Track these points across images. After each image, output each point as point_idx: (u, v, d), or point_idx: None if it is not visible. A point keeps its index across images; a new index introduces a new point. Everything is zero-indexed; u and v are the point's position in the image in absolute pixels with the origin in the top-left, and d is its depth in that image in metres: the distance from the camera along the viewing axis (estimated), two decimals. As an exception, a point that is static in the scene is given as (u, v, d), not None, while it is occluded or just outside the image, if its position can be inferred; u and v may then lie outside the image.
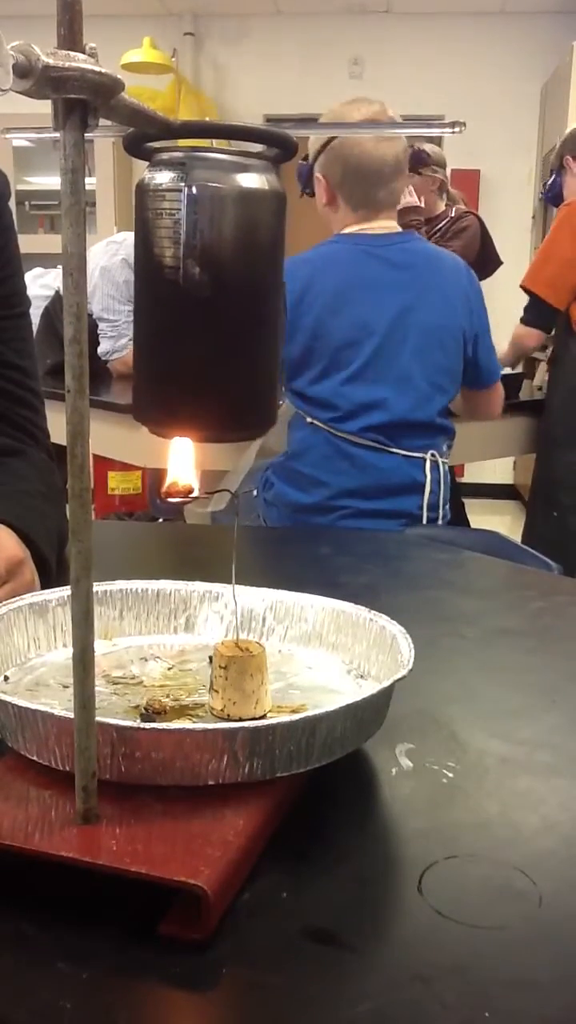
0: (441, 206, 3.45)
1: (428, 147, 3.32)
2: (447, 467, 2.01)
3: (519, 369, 3.10)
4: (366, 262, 1.88)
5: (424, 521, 1.94)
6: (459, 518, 3.79)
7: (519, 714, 0.70)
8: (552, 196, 2.88)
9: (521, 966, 0.43)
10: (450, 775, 0.59)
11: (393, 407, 1.89)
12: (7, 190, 1.04)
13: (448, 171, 3.55)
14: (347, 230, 1.93)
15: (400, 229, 1.98)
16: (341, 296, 1.85)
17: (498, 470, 5.53)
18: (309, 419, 1.91)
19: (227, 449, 2.25)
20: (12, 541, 0.80)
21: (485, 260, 3.43)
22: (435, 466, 1.94)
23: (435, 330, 1.91)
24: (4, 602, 0.68)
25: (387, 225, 1.94)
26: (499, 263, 3.51)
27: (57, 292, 3.17)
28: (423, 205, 3.38)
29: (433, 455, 1.94)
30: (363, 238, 1.91)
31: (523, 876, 0.49)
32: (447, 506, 2.03)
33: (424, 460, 1.93)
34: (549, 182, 2.89)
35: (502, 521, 5.11)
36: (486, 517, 4.99)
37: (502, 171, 5.52)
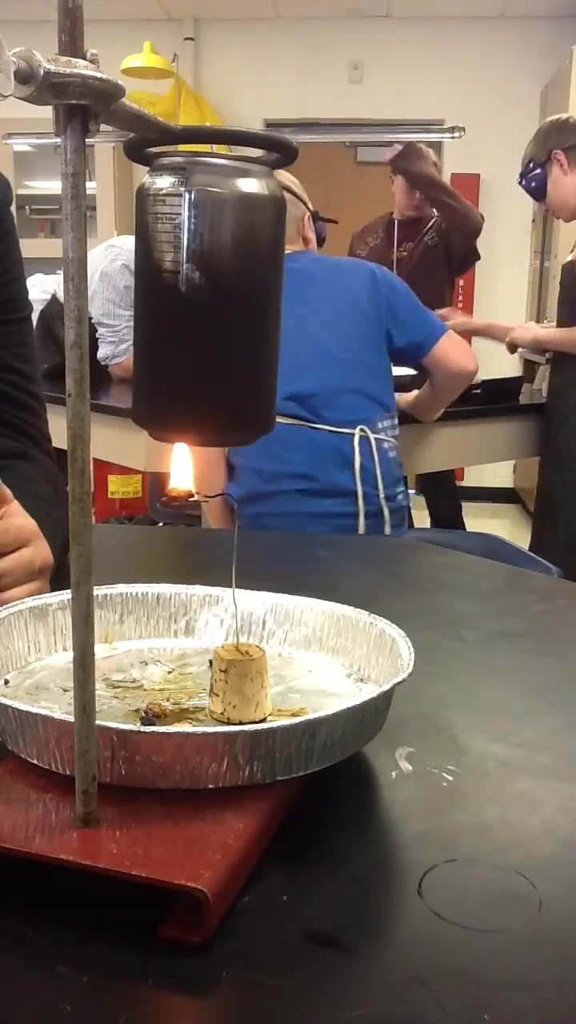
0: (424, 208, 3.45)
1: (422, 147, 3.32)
2: (389, 445, 2.03)
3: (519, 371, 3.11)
4: None
5: (361, 497, 1.95)
6: (455, 520, 3.79)
7: (519, 717, 0.70)
8: (535, 189, 2.81)
9: (521, 969, 0.43)
10: (450, 778, 0.59)
11: (313, 379, 1.95)
12: (9, 195, 1.05)
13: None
14: None
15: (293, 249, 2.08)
16: None
17: (498, 474, 5.53)
18: None
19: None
20: (46, 544, 0.81)
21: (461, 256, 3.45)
22: (365, 440, 1.96)
23: (339, 308, 2.00)
24: (4, 606, 0.68)
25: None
26: (477, 256, 3.53)
27: (54, 296, 3.17)
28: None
29: (363, 430, 1.96)
30: None
31: (523, 879, 0.49)
32: (399, 487, 2.05)
33: (352, 435, 1.96)
34: (530, 174, 2.80)
35: (502, 525, 5.11)
36: (486, 520, 4.99)
37: (502, 175, 5.52)
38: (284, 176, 2.11)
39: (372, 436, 1.97)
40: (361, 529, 1.95)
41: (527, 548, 2.40)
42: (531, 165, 2.77)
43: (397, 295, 2.09)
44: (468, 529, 3.72)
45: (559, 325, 2.78)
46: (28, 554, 0.78)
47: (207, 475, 2.01)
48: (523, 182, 2.82)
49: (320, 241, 2.26)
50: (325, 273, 2.07)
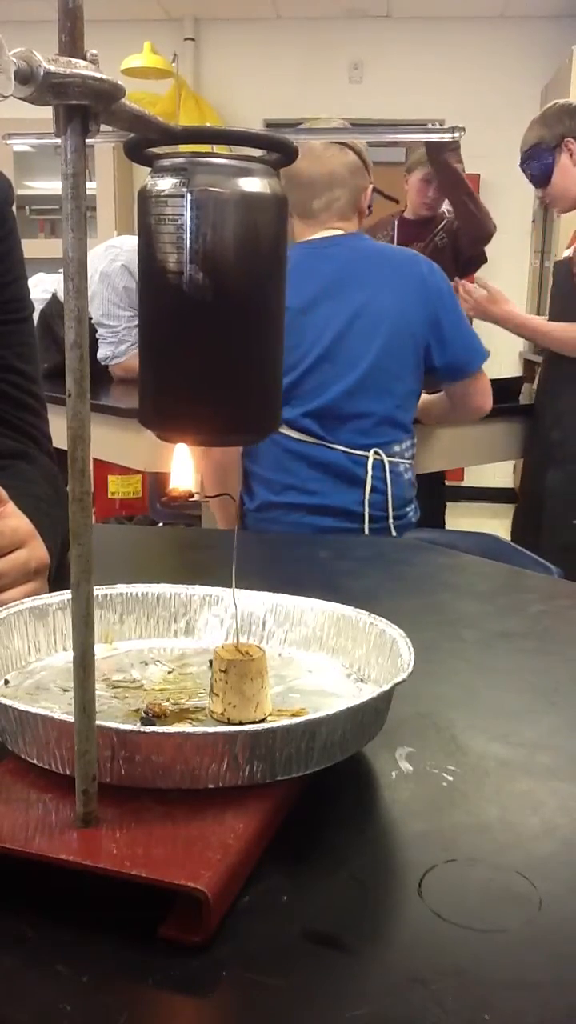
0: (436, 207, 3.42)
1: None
2: (404, 467, 1.96)
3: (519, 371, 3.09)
4: (308, 261, 1.90)
5: (367, 520, 1.90)
6: (436, 520, 3.76)
7: (519, 717, 0.70)
8: (539, 174, 2.63)
9: (521, 969, 0.43)
10: (450, 778, 0.59)
11: (338, 398, 1.88)
12: (10, 194, 1.05)
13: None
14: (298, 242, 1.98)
15: (343, 232, 1.99)
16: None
17: (498, 474, 5.53)
18: None
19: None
20: (42, 544, 0.81)
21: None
22: (379, 463, 1.90)
23: (385, 316, 1.90)
24: (5, 606, 0.68)
25: (332, 233, 1.97)
26: (484, 260, 3.50)
27: (54, 295, 3.17)
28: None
29: (378, 453, 1.90)
30: (308, 244, 1.95)
31: (523, 879, 0.49)
32: (409, 507, 1.99)
33: (366, 458, 1.89)
34: (536, 157, 2.61)
35: (502, 525, 5.10)
36: (486, 520, 4.99)
37: (502, 175, 5.52)
38: (356, 141, 2.01)
39: (387, 460, 1.90)
40: None
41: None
42: (539, 148, 2.58)
43: (444, 306, 1.96)
44: (468, 529, 3.72)
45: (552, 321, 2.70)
46: (23, 555, 0.78)
47: (221, 477, 1.98)
48: (526, 166, 2.64)
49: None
50: (371, 267, 1.93)
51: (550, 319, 2.74)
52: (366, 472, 1.89)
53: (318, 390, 1.88)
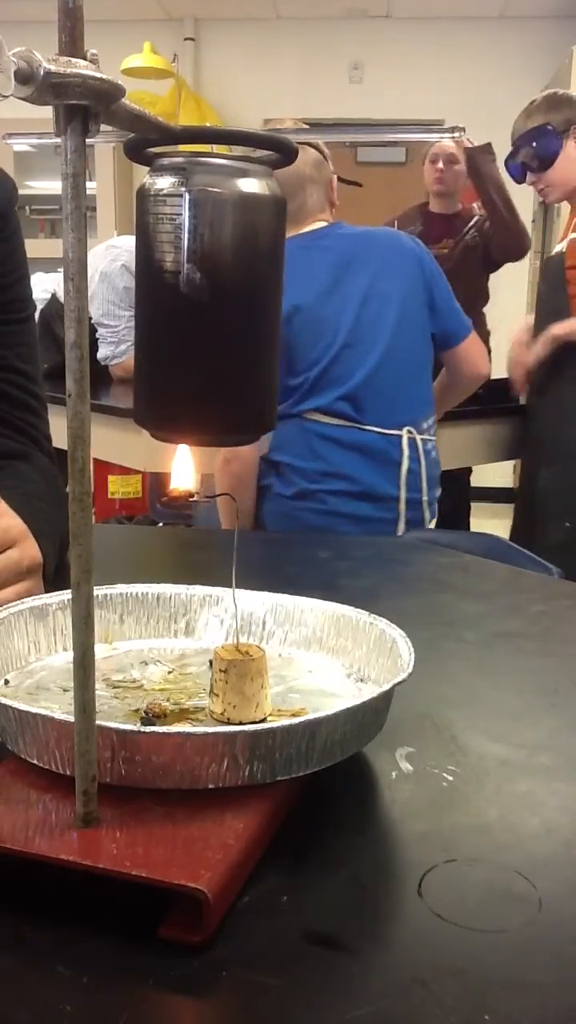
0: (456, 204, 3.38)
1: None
2: (431, 445, 2.01)
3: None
4: (304, 254, 1.92)
5: (403, 503, 1.94)
6: (458, 520, 3.76)
7: (519, 717, 0.70)
8: (546, 157, 2.51)
9: (521, 969, 0.43)
10: (450, 778, 0.59)
11: (367, 377, 1.91)
12: (14, 195, 1.05)
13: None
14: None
15: (325, 223, 2.02)
16: (292, 290, 1.87)
17: (498, 474, 5.53)
18: (291, 413, 1.93)
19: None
20: (35, 543, 0.81)
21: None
22: (412, 442, 1.95)
23: (392, 293, 1.95)
24: (4, 606, 0.68)
25: (315, 227, 2.00)
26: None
27: (54, 295, 3.17)
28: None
29: (410, 431, 1.95)
30: (295, 239, 1.96)
31: (523, 879, 0.49)
32: (435, 491, 2.03)
33: (400, 436, 1.94)
34: (545, 138, 2.49)
35: (503, 525, 5.10)
36: (486, 521, 4.99)
37: (502, 175, 5.53)
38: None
39: (419, 438, 1.96)
40: (401, 532, 1.94)
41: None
42: (547, 130, 2.48)
43: (435, 277, 2.04)
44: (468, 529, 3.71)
45: (542, 318, 2.63)
46: (15, 555, 0.78)
47: (235, 487, 1.98)
48: (529, 147, 2.53)
49: None
50: (368, 249, 1.99)
51: (537, 316, 2.68)
52: (401, 452, 1.94)
53: (347, 375, 1.92)
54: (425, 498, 1.98)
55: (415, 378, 1.99)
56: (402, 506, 1.95)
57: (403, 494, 1.94)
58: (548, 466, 2.59)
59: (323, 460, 1.93)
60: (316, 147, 2.02)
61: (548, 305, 2.65)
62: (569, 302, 2.55)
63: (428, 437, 2.00)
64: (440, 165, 3.28)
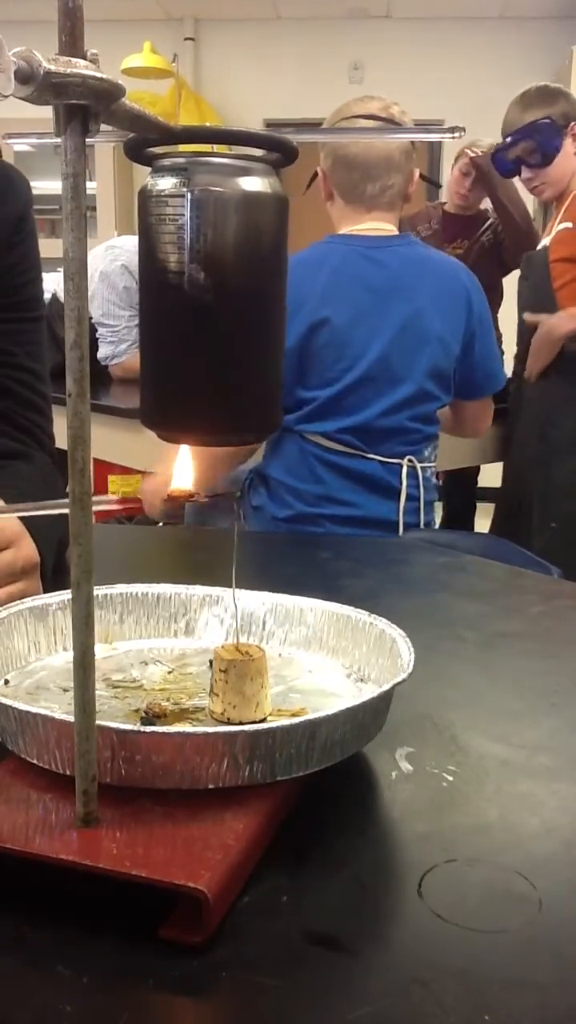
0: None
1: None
2: (431, 472, 1.96)
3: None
4: (357, 263, 1.83)
5: (402, 524, 1.89)
6: (465, 520, 3.74)
7: (519, 717, 0.70)
8: (547, 151, 2.43)
9: (521, 969, 0.43)
10: (450, 779, 0.59)
11: (377, 413, 1.84)
12: (31, 196, 1.05)
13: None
14: (341, 230, 1.90)
15: (395, 232, 1.91)
16: (331, 299, 1.79)
17: (498, 474, 5.53)
18: (292, 429, 1.87)
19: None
20: (31, 543, 0.81)
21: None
22: (413, 471, 1.89)
23: (431, 334, 1.85)
24: (4, 606, 0.68)
25: (381, 227, 1.88)
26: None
27: (54, 295, 3.17)
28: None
29: (411, 460, 1.88)
30: (355, 239, 1.85)
31: (523, 880, 0.49)
32: (431, 515, 1.98)
33: (401, 466, 1.87)
34: (548, 131, 2.42)
35: (502, 525, 5.09)
36: (486, 521, 4.98)
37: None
38: (406, 117, 1.88)
39: (419, 466, 1.90)
40: None
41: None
42: (548, 123, 2.41)
43: (482, 327, 1.91)
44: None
45: (529, 311, 2.58)
46: (9, 556, 0.79)
47: (207, 475, 1.95)
48: (529, 141, 2.47)
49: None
50: (421, 277, 1.84)
51: (520, 309, 2.63)
52: (400, 482, 1.87)
53: (359, 407, 1.84)
54: (422, 523, 1.93)
55: (428, 421, 1.91)
56: (400, 531, 1.92)
57: (401, 519, 1.89)
58: (534, 468, 2.57)
59: (323, 484, 1.87)
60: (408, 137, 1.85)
61: (530, 301, 2.60)
62: (554, 295, 2.50)
63: (428, 464, 1.94)
64: (468, 184, 3.26)
